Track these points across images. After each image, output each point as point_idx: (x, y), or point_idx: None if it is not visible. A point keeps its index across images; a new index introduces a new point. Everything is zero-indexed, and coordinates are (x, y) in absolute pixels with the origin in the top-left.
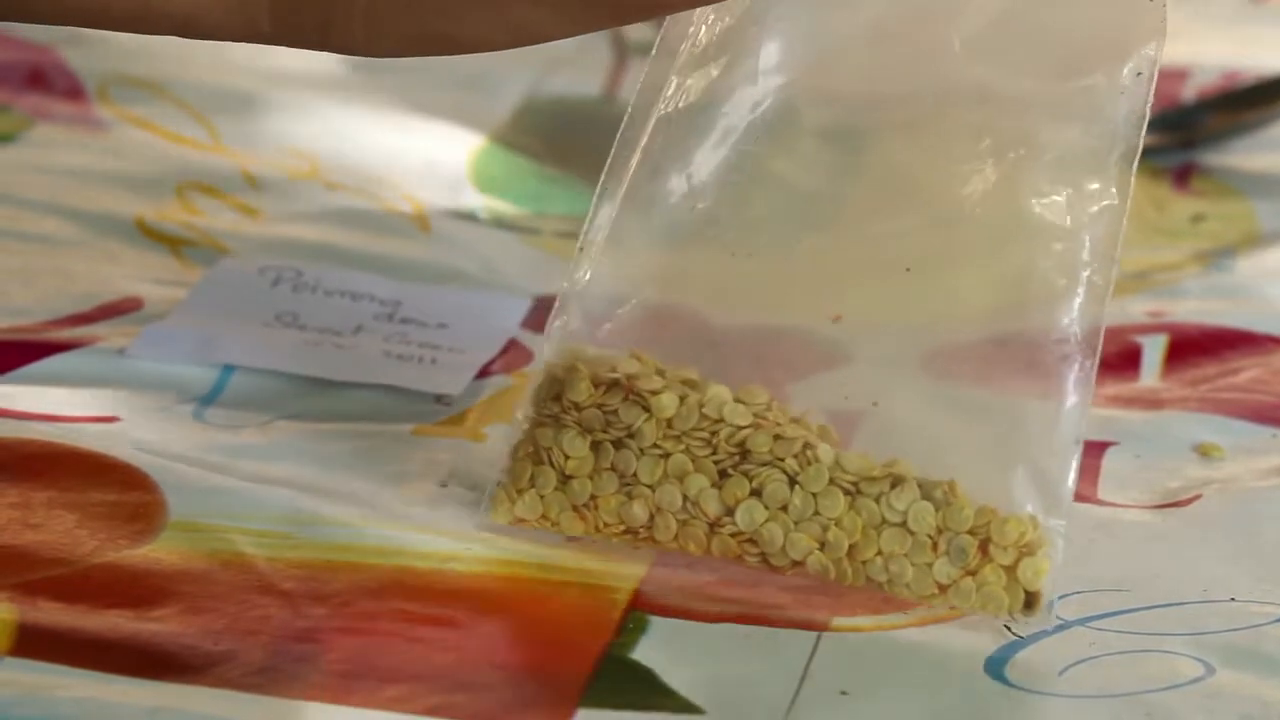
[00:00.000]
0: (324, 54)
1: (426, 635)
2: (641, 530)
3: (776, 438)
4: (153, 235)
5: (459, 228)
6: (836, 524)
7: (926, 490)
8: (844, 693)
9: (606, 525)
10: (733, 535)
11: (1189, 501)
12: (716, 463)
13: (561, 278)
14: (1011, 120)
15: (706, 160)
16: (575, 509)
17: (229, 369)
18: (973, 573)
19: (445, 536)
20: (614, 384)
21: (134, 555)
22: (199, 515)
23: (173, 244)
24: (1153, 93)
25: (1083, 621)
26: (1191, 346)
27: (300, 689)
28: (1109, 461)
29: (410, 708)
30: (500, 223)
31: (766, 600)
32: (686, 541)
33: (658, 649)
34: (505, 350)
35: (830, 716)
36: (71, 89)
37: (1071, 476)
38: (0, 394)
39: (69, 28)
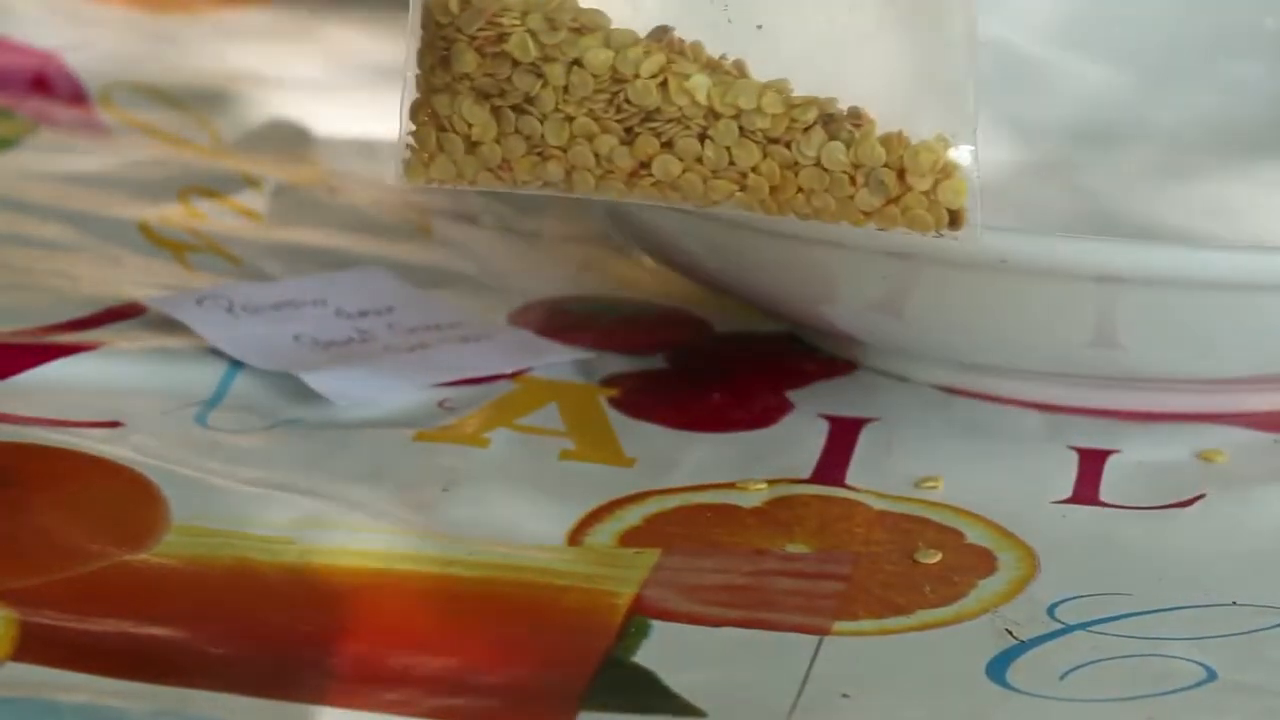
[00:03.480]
0: (325, 59)
1: (428, 640)
2: (560, 184)
3: (677, 91)
4: (156, 240)
5: (460, 231)
6: (754, 171)
7: (834, 129)
8: (845, 696)
9: (524, 183)
10: (653, 184)
11: (1191, 503)
12: (622, 121)
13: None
14: None
15: None
16: (490, 170)
17: (232, 371)
18: (895, 200)
19: (447, 541)
20: (500, 53)
21: (136, 560)
22: (201, 520)
23: (176, 249)
24: None
25: (1084, 625)
26: None
27: (302, 693)
28: (1111, 466)
29: (412, 711)
30: (502, 226)
31: (769, 604)
32: (607, 192)
33: (659, 653)
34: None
35: (832, 719)
36: (74, 93)
37: (972, 98)
38: (3, 398)
39: (72, 32)
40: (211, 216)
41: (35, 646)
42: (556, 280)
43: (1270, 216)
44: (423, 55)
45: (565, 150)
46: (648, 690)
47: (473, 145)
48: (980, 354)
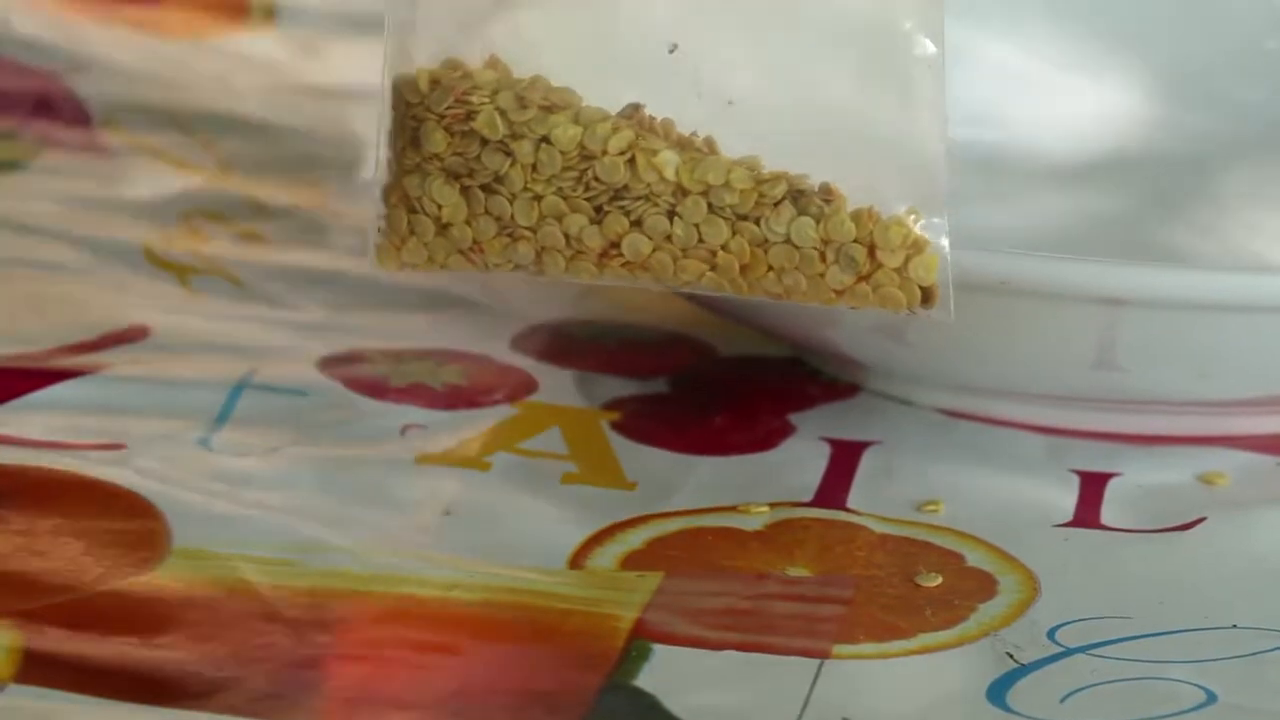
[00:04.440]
0: (330, 81)
1: (429, 663)
2: (532, 267)
3: (645, 168)
4: (160, 263)
5: None
6: (723, 249)
7: (803, 205)
8: (846, 719)
9: (496, 265)
10: (623, 265)
11: (1191, 526)
12: (591, 199)
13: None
14: None
15: None
16: (461, 252)
17: (235, 395)
18: (866, 277)
19: (448, 564)
20: (469, 132)
21: (139, 582)
22: (203, 542)
23: (180, 272)
24: None
25: (1084, 649)
26: None
27: (304, 716)
28: (1112, 489)
29: None
30: None
31: (770, 627)
32: (578, 274)
33: (661, 676)
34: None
35: None
36: (78, 116)
37: (943, 173)
38: (6, 421)
39: (75, 54)
40: (215, 239)
41: (37, 669)
42: (559, 304)
43: (1272, 239)
44: (394, 137)
45: (535, 231)
46: (650, 714)
47: (443, 227)
48: (981, 377)
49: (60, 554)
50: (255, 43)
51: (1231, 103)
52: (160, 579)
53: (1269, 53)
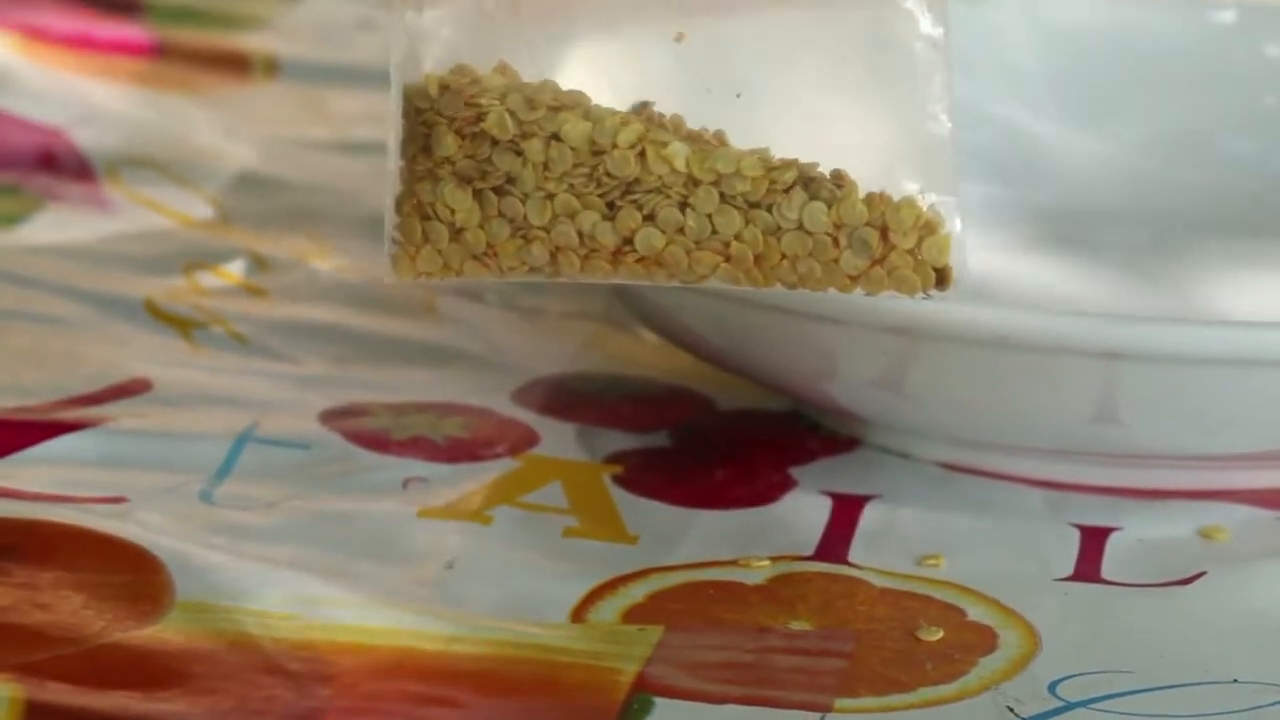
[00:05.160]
0: (330, 136)
1: (430, 716)
2: (547, 269)
3: (656, 160)
4: (162, 317)
5: (465, 308)
6: (737, 239)
7: (814, 189)
8: None
9: (511, 269)
10: (637, 261)
11: (1192, 580)
12: (603, 195)
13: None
14: None
15: None
16: (476, 258)
17: (237, 448)
18: (879, 261)
19: (450, 618)
20: (480, 133)
21: (141, 635)
22: (206, 596)
23: (182, 326)
24: None
25: (1085, 703)
26: None
27: None
28: (1112, 544)
29: None
30: (506, 303)
31: (771, 681)
32: (593, 273)
33: None
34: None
35: None
36: (81, 170)
37: (953, 155)
38: (9, 474)
39: (78, 109)
40: (217, 293)
41: None
42: (560, 357)
43: (1270, 294)
44: (405, 145)
45: (548, 230)
46: None
47: (457, 232)
48: (981, 431)
49: (62, 607)
50: (257, 97)
51: (1230, 158)
52: (162, 632)
53: (1267, 109)
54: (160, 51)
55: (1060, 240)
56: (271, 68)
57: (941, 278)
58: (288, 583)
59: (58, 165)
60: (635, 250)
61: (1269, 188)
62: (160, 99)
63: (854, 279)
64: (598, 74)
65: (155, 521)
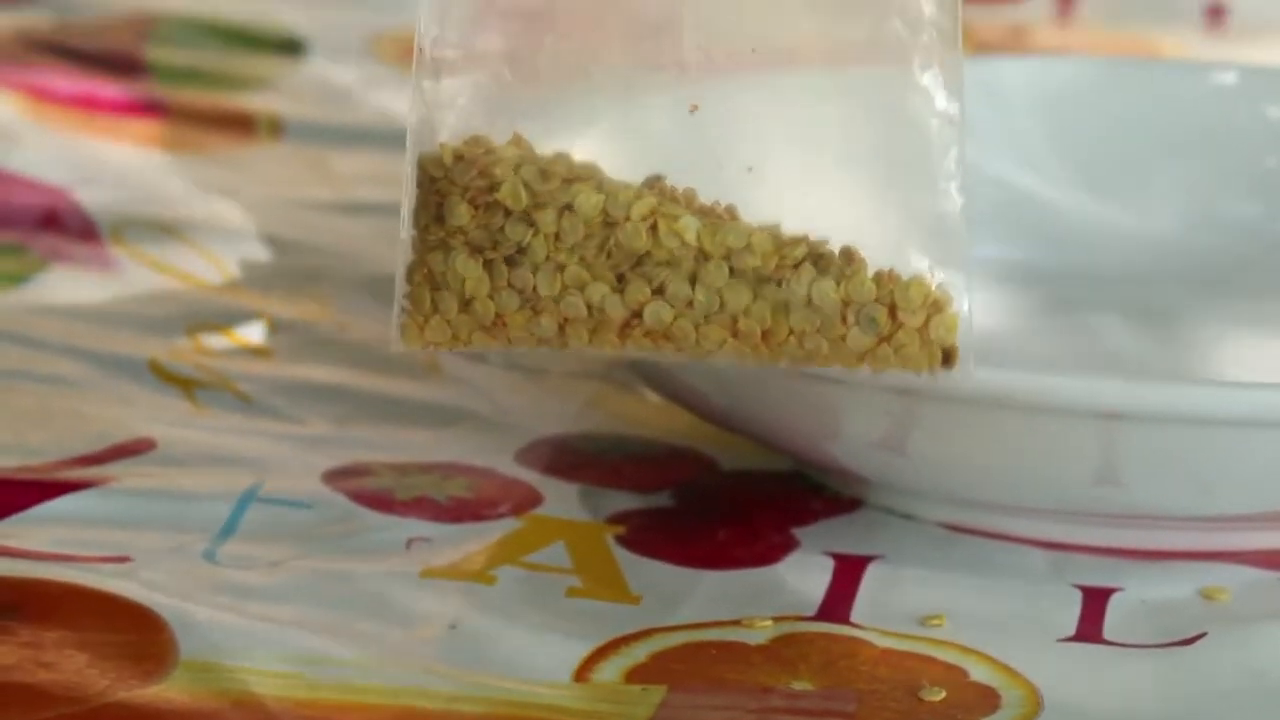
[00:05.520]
0: (334, 196)
1: None
2: (555, 341)
3: (667, 233)
4: (166, 377)
5: (468, 368)
6: (745, 314)
7: (824, 266)
8: None
9: (519, 340)
10: (645, 334)
11: (1193, 641)
12: (613, 268)
13: None
14: None
15: None
16: (484, 329)
17: (241, 507)
18: (887, 338)
19: (452, 677)
20: (493, 203)
21: (145, 694)
22: (209, 655)
23: (186, 385)
24: None
25: None
26: None
27: None
28: (1114, 604)
29: None
30: (509, 363)
31: None
32: (601, 346)
33: None
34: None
35: None
36: (85, 230)
37: (964, 234)
38: (13, 533)
39: (83, 169)
40: (221, 353)
41: None
42: (563, 417)
43: (1272, 356)
44: (417, 214)
45: (557, 302)
46: None
47: (466, 303)
48: (984, 491)
49: (66, 666)
50: (261, 157)
51: (1232, 219)
52: (166, 691)
53: (1269, 171)
54: (164, 111)
55: (1061, 301)
56: (276, 128)
57: (948, 357)
58: (291, 642)
59: (62, 225)
60: (643, 323)
61: (1271, 249)
62: (164, 159)
63: (861, 356)
64: (611, 146)
65: (159, 580)
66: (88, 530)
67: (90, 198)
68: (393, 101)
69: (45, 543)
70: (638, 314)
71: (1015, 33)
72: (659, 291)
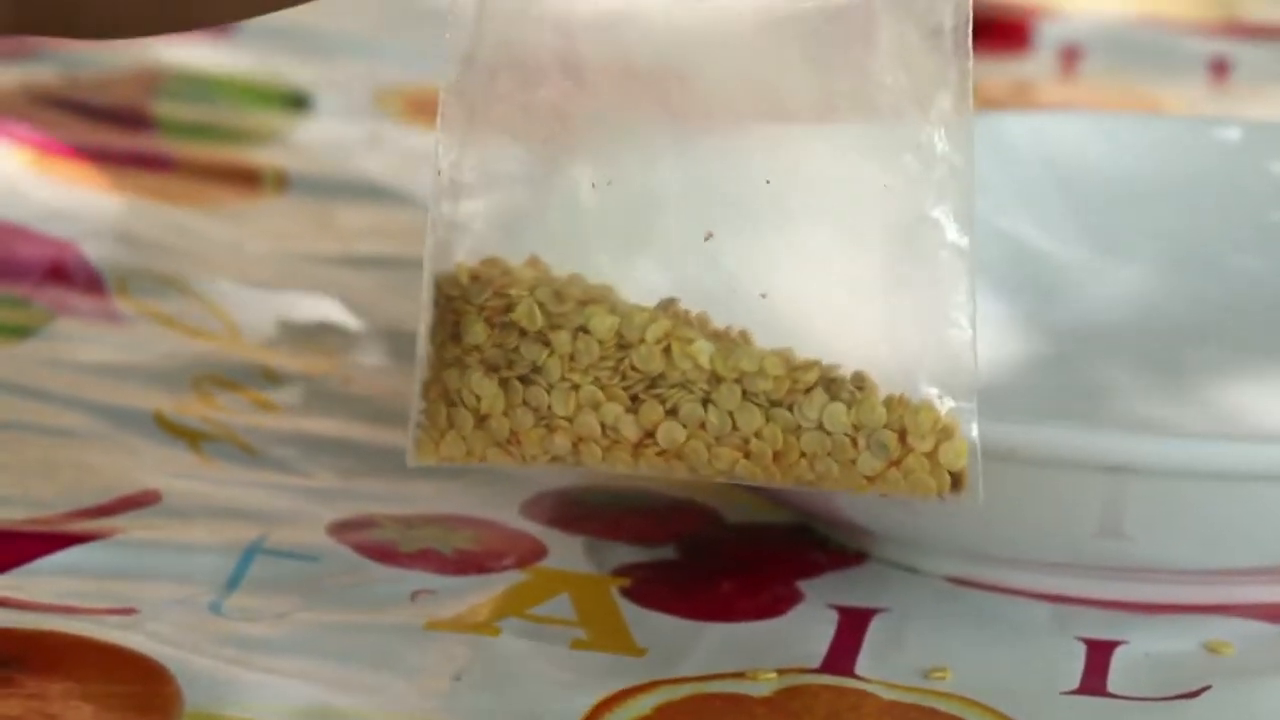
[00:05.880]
0: (339, 250)
1: None
2: (569, 458)
3: (681, 356)
4: (171, 429)
5: None
6: (757, 436)
7: (835, 391)
8: None
9: (533, 457)
10: (658, 454)
11: (1197, 694)
12: (627, 389)
13: None
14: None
15: None
16: (499, 445)
17: (247, 559)
18: (897, 463)
19: None
20: (509, 323)
21: None
22: (214, 707)
23: (191, 438)
24: None
25: None
26: None
27: None
28: (1118, 658)
29: None
30: None
31: None
32: (614, 464)
33: None
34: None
35: None
36: (91, 283)
37: (974, 360)
38: (18, 585)
39: (88, 222)
40: (227, 406)
41: None
42: (568, 470)
43: (1277, 410)
44: (434, 331)
45: (572, 421)
46: None
47: (481, 419)
48: (988, 545)
49: (71, 717)
50: (266, 211)
51: (1237, 274)
52: None
53: (1274, 225)
54: (171, 165)
55: (1066, 354)
56: (281, 182)
57: (956, 481)
58: (296, 694)
59: (68, 278)
60: (657, 443)
61: (1275, 303)
62: (170, 212)
63: (871, 479)
64: (626, 269)
65: (164, 632)
66: (93, 582)
67: (96, 251)
68: (397, 156)
69: (51, 594)
70: (651, 434)
71: (1020, 88)
72: (672, 412)
